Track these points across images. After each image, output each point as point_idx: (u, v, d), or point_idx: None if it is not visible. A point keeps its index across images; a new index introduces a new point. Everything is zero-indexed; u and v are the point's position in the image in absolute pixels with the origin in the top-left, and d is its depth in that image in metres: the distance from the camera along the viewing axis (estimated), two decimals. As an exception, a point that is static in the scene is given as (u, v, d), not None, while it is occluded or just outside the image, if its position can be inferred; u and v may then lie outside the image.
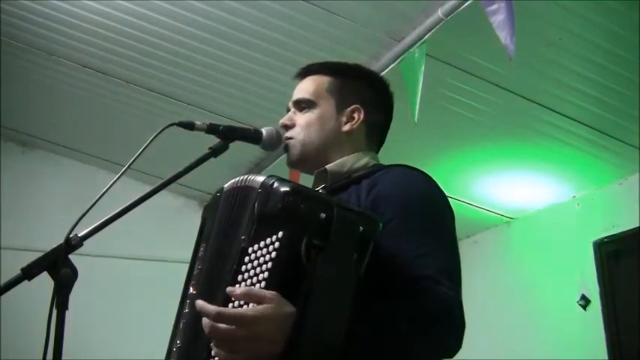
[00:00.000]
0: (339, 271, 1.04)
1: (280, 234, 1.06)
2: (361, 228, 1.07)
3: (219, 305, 1.07)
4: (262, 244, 1.08)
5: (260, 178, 1.18)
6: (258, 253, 1.09)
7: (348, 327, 1.03)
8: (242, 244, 1.12)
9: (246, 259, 1.10)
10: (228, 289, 1.07)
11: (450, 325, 1.14)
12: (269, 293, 1.03)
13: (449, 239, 1.28)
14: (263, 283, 1.06)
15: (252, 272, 1.09)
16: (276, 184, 1.11)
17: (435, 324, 1.13)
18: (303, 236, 1.05)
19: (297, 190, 1.09)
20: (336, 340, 1.01)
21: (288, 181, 1.12)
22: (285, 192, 1.08)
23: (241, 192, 1.24)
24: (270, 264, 1.06)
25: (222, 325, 1.03)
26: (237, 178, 1.27)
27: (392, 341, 1.09)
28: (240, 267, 1.10)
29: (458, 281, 1.22)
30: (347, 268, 1.05)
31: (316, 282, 1.02)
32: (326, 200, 1.09)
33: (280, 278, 1.05)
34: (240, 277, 1.10)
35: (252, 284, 1.07)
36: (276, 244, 1.06)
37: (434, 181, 1.35)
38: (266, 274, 1.06)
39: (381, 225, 1.11)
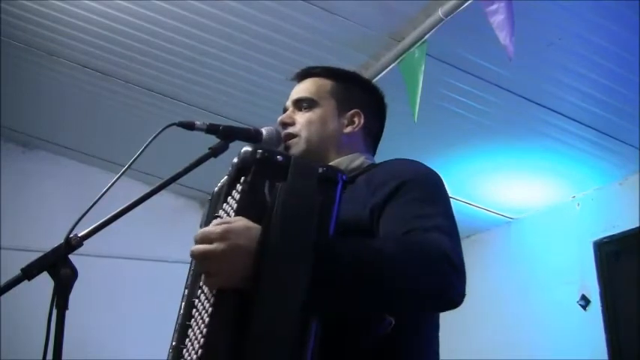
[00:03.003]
0: (301, 198, 1.08)
1: (242, 179, 1.12)
2: (320, 169, 1.12)
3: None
4: (229, 198, 1.14)
5: None
6: (227, 208, 1.14)
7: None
8: (214, 216, 1.17)
9: (217, 220, 1.14)
10: (202, 229, 1.10)
11: (440, 260, 1.10)
12: (235, 217, 1.09)
13: (446, 207, 1.28)
14: None
15: None
16: (239, 153, 1.18)
17: (425, 255, 1.10)
18: (264, 179, 1.11)
19: (257, 145, 1.16)
20: (301, 261, 1.03)
21: (253, 144, 1.18)
22: (245, 149, 1.16)
23: (220, 187, 1.28)
24: (235, 206, 1.11)
25: (199, 246, 1.07)
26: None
27: (381, 261, 1.08)
28: None
29: (455, 237, 1.21)
30: (309, 197, 1.08)
31: (279, 207, 1.06)
32: (284, 152, 1.19)
33: (245, 212, 1.09)
34: None
35: None
36: (239, 188, 1.12)
37: (428, 166, 1.37)
38: (232, 214, 1.12)
39: (344, 175, 1.15)
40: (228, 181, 1.18)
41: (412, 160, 1.38)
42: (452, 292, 1.11)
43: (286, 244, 1.03)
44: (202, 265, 1.09)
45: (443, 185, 1.34)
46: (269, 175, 1.11)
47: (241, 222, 1.07)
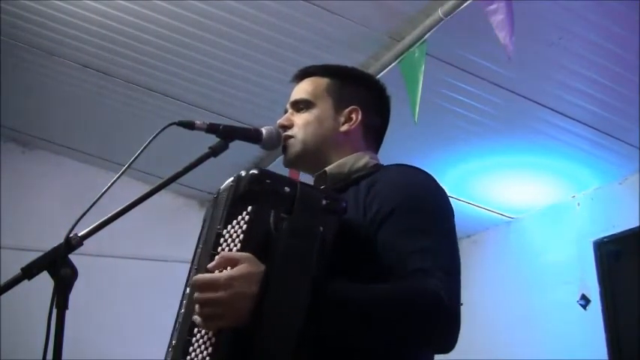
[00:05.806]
0: (304, 236, 1.12)
1: (249, 208, 1.15)
2: (324, 201, 1.17)
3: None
4: (234, 222, 1.16)
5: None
6: (232, 231, 1.16)
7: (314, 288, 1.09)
8: (217, 231, 1.19)
9: (221, 240, 1.17)
10: (208, 266, 1.13)
11: (436, 312, 1.13)
12: (242, 255, 1.11)
13: (447, 235, 1.27)
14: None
15: (226, 250, 1.16)
16: (244, 173, 1.19)
17: (419, 307, 1.13)
18: (270, 209, 1.15)
19: (264, 171, 1.19)
20: (299, 299, 1.08)
21: (259, 168, 1.20)
22: (252, 174, 1.18)
23: (222, 192, 1.28)
24: (242, 236, 1.14)
25: (201, 294, 1.10)
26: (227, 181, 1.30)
27: (373, 309, 1.12)
28: (217, 250, 1.17)
29: (454, 276, 1.21)
30: (311, 234, 1.13)
31: (283, 245, 1.11)
32: (290, 179, 1.20)
33: (251, 247, 1.13)
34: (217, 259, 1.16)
35: None
36: (247, 218, 1.15)
37: (433, 178, 1.35)
38: (239, 245, 1.14)
39: (344, 203, 1.19)
40: (232, 200, 1.19)
41: (413, 171, 1.37)
42: (444, 345, 1.18)
43: (287, 291, 1.08)
44: (204, 310, 1.11)
45: (442, 199, 1.33)
46: (275, 205, 1.15)
47: (244, 267, 1.10)
